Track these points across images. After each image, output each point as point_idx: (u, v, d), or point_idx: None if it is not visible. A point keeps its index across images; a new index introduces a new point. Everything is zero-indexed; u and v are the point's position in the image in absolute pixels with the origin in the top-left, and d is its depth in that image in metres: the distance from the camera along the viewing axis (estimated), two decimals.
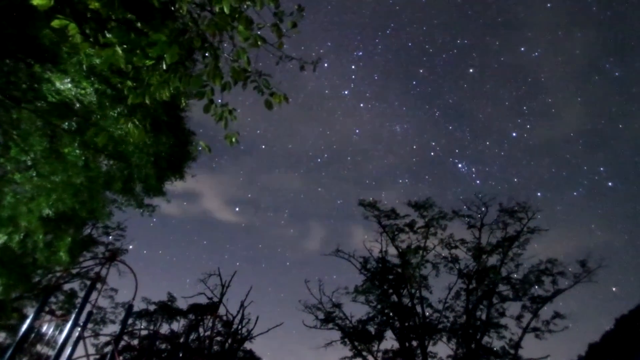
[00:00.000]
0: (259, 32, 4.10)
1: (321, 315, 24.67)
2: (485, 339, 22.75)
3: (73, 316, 10.61)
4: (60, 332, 11.54)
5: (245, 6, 4.07)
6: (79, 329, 10.98)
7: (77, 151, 6.97)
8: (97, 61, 5.87)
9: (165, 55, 3.79)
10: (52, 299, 20.54)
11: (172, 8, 4.33)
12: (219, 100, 4.11)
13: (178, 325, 27.98)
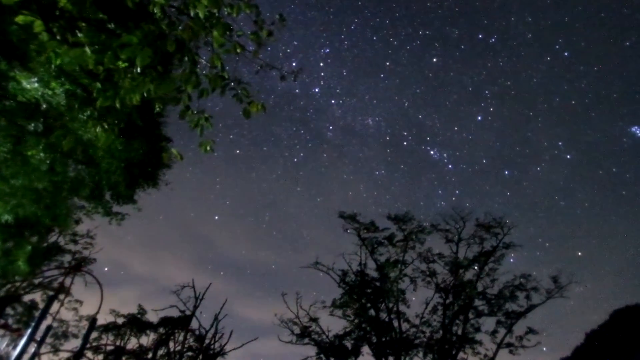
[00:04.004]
0: (237, 40, 4.01)
1: (297, 330, 24.16)
2: (460, 354, 22.84)
3: (29, 330, 9.85)
4: (15, 347, 10.70)
5: (225, 12, 3.97)
6: (35, 344, 10.20)
7: (42, 154, 6.57)
8: (66, 60, 5.61)
9: (136, 58, 3.62)
10: (9, 311, 19.17)
11: (153, 11, 4.17)
12: (188, 108, 3.94)
13: (148, 339, 26.72)
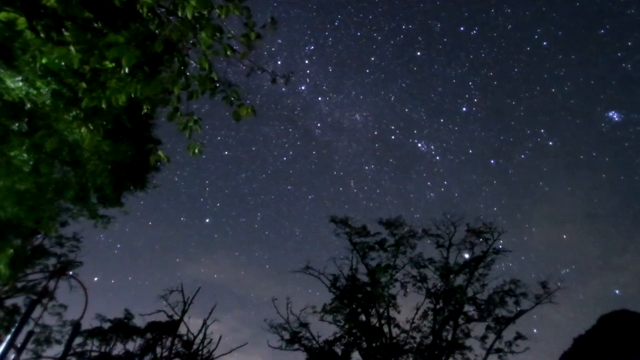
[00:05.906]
0: (227, 42, 3.95)
1: (287, 336, 23.93)
2: None
3: (9, 336, 9.54)
4: None
5: (216, 13, 3.91)
6: (15, 351, 9.88)
7: (25, 155, 6.39)
8: (51, 59, 5.48)
9: (122, 58, 3.54)
10: None
11: (141, 10, 4.08)
12: (177, 110, 3.86)
13: (134, 345, 26.16)
